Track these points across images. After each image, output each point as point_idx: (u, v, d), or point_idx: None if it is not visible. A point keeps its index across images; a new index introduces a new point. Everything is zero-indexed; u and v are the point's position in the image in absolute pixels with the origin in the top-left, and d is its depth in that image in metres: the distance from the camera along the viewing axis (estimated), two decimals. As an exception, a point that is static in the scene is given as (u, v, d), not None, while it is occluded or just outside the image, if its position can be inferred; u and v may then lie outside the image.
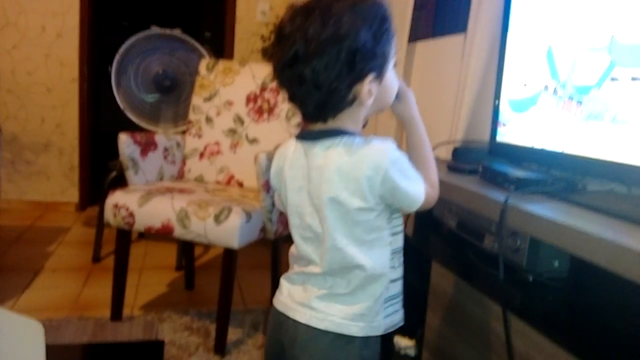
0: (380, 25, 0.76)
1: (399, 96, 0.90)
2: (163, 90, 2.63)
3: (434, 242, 1.39)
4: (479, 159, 1.35)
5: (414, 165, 0.85)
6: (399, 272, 0.90)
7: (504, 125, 1.34)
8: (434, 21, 2.43)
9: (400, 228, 0.89)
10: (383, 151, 0.78)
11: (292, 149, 0.86)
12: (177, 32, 2.60)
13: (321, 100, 0.77)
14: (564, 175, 1.13)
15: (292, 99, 0.81)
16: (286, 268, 0.94)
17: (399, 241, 0.89)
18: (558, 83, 1.15)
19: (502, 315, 0.96)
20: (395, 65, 0.84)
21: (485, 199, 1.05)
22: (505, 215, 0.97)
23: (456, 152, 1.43)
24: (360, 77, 0.76)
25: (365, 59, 0.75)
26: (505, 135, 1.33)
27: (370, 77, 0.77)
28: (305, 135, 0.84)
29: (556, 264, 1.08)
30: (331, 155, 0.80)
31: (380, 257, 0.85)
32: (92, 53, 3.33)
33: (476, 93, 1.62)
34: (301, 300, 0.86)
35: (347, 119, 0.82)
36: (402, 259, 0.90)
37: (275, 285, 0.98)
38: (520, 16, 1.30)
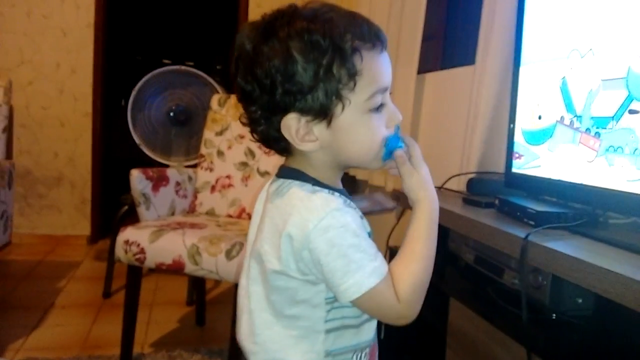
0: (331, 60, 0.61)
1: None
2: (176, 125, 2.65)
3: (450, 277, 1.36)
4: (494, 191, 1.33)
5: (398, 258, 0.65)
6: None
7: (519, 156, 1.32)
8: (443, 53, 2.45)
9: (355, 322, 0.67)
10: (317, 211, 0.61)
11: (270, 181, 0.73)
12: (190, 67, 2.64)
13: (251, 123, 0.67)
14: (584, 209, 1.10)
15: None
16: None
17: (347, 339, 0.66)
18: (574, 115, 1.13)
19: (526, 357, 0.92)
20: (374, 110, 0.65)
21: (504, 234, 1.03)
22: (526, 252, 0.94)
23: (471, 184, 1.41)
24: (278, 110, 0.63)
25: (290, 93, 0.62)
26: (521, 166, 1.30)
27: (296, 115, 0.63)
28: (278, 170, 0.72)
29: (580, 301, 1.05)
30: (274, 199, 0.67)
31: (301, 345, 0.65)
32: (105, 87, 3.38)
33: (488, 124, 1.61)
34: None
35: (305, 161, 0.68)
36: None
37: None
38: (532, 47, 1.29)
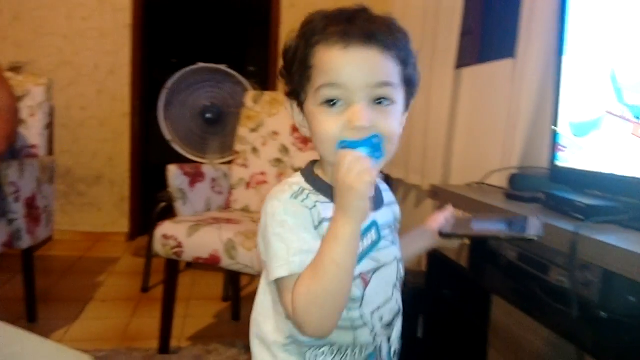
0: (298, 52, 0.69)
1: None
2: (210, 122, 2.67)
3: (491, 274, 1.32)
4: (538, 186, 1.29)
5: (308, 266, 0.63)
6: None
7: (563, 149, 1.27)
8: (480, 47, 2.40)
9: None
10: (271, 197, 0.67)
11: None
12: (222, 66, 2.66)
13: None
14: (635, 203, 1.05)
15: None
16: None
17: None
18: (623, 105, 1.08)
19: (576, 355, 0.88)
20: (325, 104, 0.66)
21: (552, 229, 0.99)
22: (576, 246, 0.91)
23: (513, 179, 1.37)
24: (289, 94, 0.73)
25: (285, 72, 0.72)
26: (566, 160, 1.26)
27: (289, 98, 0.73)
28: None
29: (632, 299, 1.00)
30: None
31: (273, 319, 0.71)
32: (142, 88, 3.45)
33: (531, 118, 1.56)
34: None
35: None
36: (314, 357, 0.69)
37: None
38: (577, 38, 1.24)
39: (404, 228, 0.83)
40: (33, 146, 1.97)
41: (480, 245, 1.47)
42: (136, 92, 3.38)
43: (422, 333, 1.44)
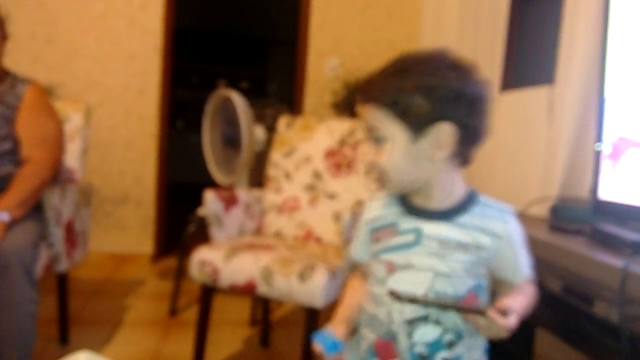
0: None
1: None
2: (233, 144, 2.68)
3: (535, 307, 1.31)
4: (581, 218, 1.29)
5: None
6: None
7: (606, 180, 1.27)
8: (514, 73, 2.41)
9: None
10: None
11: None
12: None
13: None
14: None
15: None
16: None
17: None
18: (672, 139, 1.08)
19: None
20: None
21: (599, 263, 0.99)
22: (626, 281, 0.90)
23: (555, 210, 1.37)
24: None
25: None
26: (608, 192, 1.25)
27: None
28: None
29: (684, 336, 0.99)
30: None
31: None
32: (169, 110, 3.51)
33: (572, 145, 1.56)
34: None
35: None
36: None
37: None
38: (618, 66, 1.25)
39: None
40: (71, 171, 2.01)
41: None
42: (164, 114, 3.44)
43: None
